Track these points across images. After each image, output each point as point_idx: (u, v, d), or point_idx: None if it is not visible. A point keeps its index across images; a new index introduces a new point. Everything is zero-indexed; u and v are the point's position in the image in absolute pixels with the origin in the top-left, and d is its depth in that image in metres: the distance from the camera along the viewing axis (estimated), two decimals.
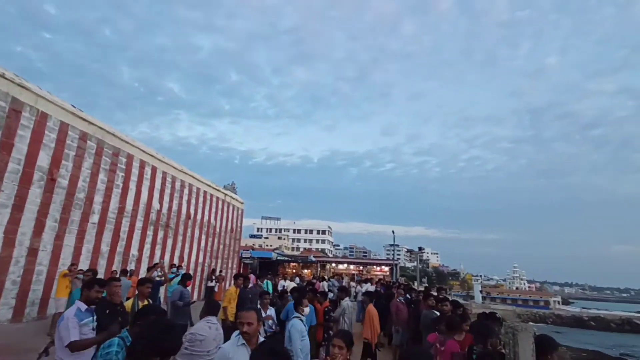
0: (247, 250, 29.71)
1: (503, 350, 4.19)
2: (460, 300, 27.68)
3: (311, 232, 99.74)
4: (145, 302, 4.83)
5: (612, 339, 43.47)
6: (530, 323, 42.24)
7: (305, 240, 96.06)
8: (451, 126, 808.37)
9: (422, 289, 16.26)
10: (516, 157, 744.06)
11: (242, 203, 24.16)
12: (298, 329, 4.62)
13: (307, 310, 5.67)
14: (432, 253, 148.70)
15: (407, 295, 10.35)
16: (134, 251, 13.80)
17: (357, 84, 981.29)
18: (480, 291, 72.07)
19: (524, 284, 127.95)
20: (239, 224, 23.89)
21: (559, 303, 77.57)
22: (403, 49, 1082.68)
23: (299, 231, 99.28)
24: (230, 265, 22.38)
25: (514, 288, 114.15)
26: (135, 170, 13.85)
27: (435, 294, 10.17)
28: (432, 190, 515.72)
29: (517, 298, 74.94)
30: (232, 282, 8.59)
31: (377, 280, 22.46)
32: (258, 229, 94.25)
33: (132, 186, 13.70)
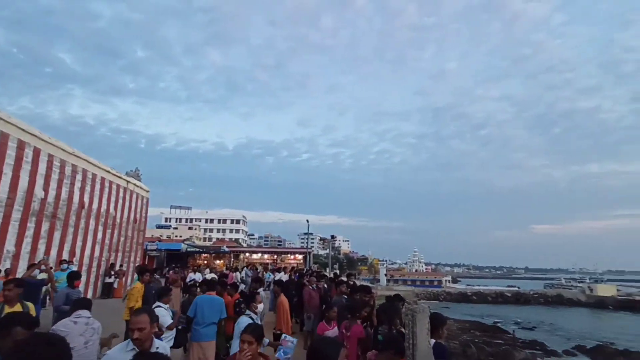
0: (154, 242, 27.84)
1: (403, 330, 4.59)
2: (368, 284, 29.71)
3: (225, 221, 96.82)
4: (17, 308, 4.10)
5: (488, 310, 51.65)
6: (423, 301, 47.59)
7: (218, 230, 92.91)
8: (365, 120, 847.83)
9: (331, 275, 16.99)
10: (419, 152, 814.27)
11: (147, 191, 22.29)
12: None
13: (260, 307, 5.39)
14: (343, 240, 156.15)
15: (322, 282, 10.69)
16: (9, 247, 11.78)
17: (275, 73, 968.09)
18: (385, 274, 78.67)
19: (422, 267, 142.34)
20: (143, 214, 22.04)
21: (449, 282, 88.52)
22: (321, 42, 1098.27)
23: (211, 221, 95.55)
24: (133, 258, 20.58)
25: (414, 270, 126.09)
26: (11, 152, 11.75)
27: (345, 279, 10.75)
28: (345, 180, 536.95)
29: (416, 279, 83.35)
30: (135, 277, 7.83)
31: (290, 268, 22.84)
32: (166, 218, 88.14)
33: (7, 170, 11.62)
